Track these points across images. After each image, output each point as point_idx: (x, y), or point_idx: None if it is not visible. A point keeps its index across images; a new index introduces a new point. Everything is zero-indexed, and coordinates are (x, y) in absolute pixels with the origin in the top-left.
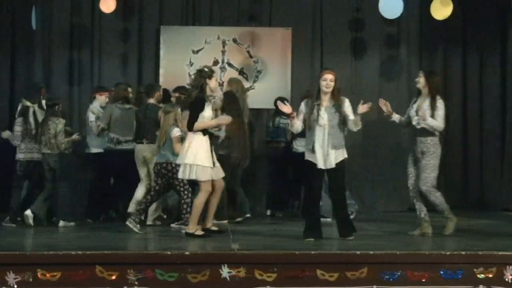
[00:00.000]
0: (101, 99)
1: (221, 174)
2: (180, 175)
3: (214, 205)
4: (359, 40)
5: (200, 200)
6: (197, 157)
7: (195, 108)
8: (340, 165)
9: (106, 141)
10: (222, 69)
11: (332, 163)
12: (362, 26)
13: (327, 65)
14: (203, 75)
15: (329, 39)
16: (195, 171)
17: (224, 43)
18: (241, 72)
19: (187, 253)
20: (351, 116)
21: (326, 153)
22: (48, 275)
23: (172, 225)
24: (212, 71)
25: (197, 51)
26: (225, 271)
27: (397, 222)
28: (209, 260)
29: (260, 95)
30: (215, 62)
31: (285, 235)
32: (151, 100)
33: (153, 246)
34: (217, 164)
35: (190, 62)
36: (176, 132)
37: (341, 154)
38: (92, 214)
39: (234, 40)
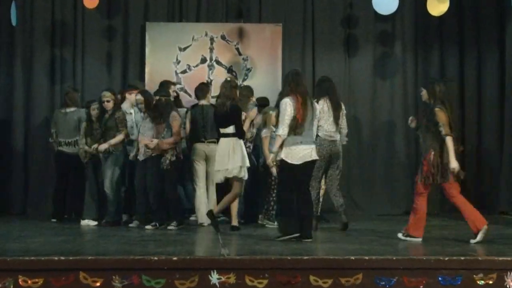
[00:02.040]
0: (131, 98)
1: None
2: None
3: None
4: (352, 37)
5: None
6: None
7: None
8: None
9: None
10: (210, 67)
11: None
12: (355, 23)
13: (319, 62)
14: (232, 85)
15: (321, 36)
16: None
17: (212, 40)
18: (230, 70)
19: (175, 258)
20: None
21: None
22: (29, 281)
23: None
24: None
25: (184, 49)
26: (214, 277)
27: (393, 226)
28: (198, 265)
29: None
30: (203, 60)
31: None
32: (204, 101)
33: (139, 250)
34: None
35: (177, 59)
36: (265, 132)
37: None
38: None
39: (223, 37)
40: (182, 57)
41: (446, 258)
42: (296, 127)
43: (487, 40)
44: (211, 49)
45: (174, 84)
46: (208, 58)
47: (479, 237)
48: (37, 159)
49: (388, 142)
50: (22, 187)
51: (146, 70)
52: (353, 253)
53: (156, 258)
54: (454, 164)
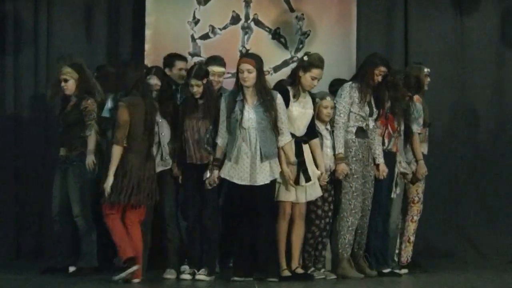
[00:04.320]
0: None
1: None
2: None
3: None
4: None
5: (278, 230)
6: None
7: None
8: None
9: None
10: (246, 29)
11: (258, 179)
12: None
13: (415, 24)
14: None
15: None
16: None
17: None
18: (275, 34)
19: None
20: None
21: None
22: None
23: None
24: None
25: (205, 2)
26: None
27: None
28: None
29: None
30: (234, 19)
31: None
32: None
33: None
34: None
35: (194, 18)
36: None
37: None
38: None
39: None
40: (202, 14)
41: None
42: None
43: None
44: (247, 3)
45: (184, 58)
46: (242, 16)
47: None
48: None
49: None
50: None
51: (147, 33)
52: None
53: None
54: (107, 182)
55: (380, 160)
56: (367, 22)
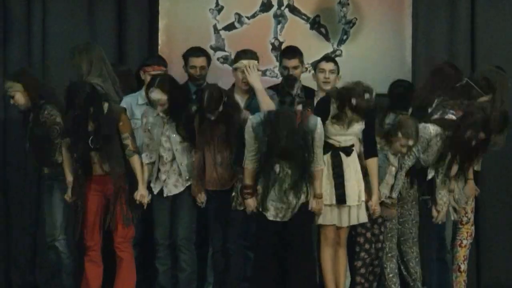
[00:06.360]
0: (147, 80)
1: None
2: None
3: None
4: None
5: (322, 257)
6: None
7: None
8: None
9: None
10: (279, 18)
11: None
12: None
13: (484, 14)
14: None
15: None
16: None
17: None
18: (314, 23)
19: None
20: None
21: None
22: None
23: None
24: None
25: None
26: None
27: None
28: None
29: (353, 68)
30: (265, 5)
31: None
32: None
33: None
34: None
35: (217, 5)
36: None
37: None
38: None
39: None
40: (226, 0)
41: None
42: None
43: None
44: None
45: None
46: (275, 2)
47: None
48: None
49: None
50: None
51: (161, 25)
52: None
53: None
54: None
55: None
56: (424, 13)
